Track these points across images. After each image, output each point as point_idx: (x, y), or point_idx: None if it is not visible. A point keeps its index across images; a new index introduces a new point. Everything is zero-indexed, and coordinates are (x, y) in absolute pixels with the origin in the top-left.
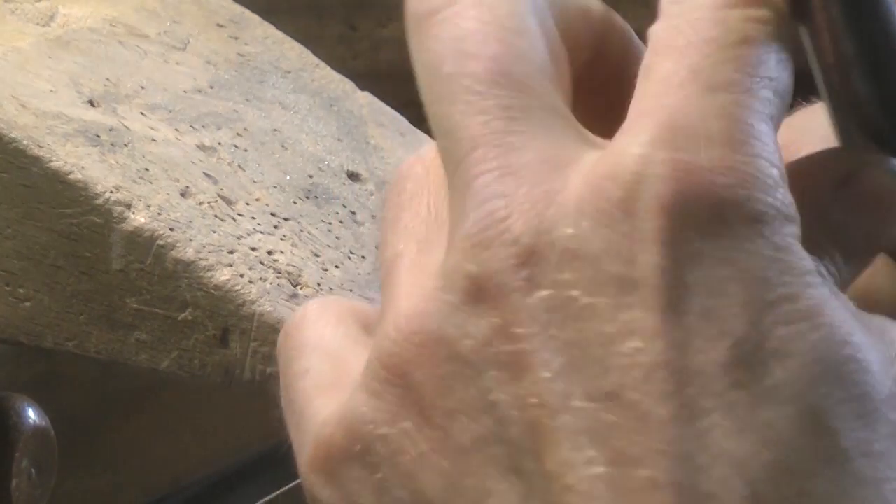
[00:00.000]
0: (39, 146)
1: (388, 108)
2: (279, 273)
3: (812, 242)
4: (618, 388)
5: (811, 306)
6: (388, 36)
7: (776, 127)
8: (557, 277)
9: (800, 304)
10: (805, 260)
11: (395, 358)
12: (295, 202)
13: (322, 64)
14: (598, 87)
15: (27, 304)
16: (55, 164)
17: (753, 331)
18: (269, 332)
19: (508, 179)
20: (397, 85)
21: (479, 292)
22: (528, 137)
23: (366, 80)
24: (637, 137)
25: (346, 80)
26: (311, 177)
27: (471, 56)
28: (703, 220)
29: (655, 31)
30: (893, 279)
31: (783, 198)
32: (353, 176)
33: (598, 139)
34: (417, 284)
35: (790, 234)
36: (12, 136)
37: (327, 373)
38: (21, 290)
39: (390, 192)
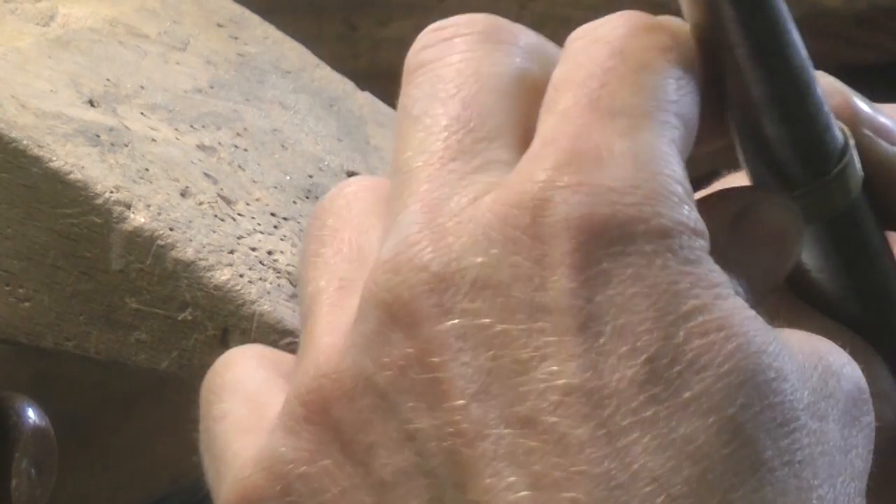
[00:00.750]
0: (39, 146)
1: (388, 108)
2: (279, 273)
3: None
4: (534, 413)
5: (724, 317)
6: (388, 35)
7: (682, 151)
8: (468, 306)
9: (713, 315)
10: (715, 272)
11: (312, 395)
12: (295, 202)
13: (322, 64)
14: None
15: (27, 304)
16: (55, 165)
17: (667, 345)
18: (269, 333)
19: (425, 210)
20: (397, 85)
21: (391, 321)
22: (459, 177)
23: (366, 79)
24: (541, 163)
25: (346, 80)
26: (311, 177)
27: (438, 101)
28: (610, 239)
29: (557, 71)
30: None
31: (689, 213)
32: (353, 176)
33: None
34: (336, 322)
35: (699, 247)
36: (12, 136)
37: (246, 416)
38: (21, 290)
39: (310, 225)
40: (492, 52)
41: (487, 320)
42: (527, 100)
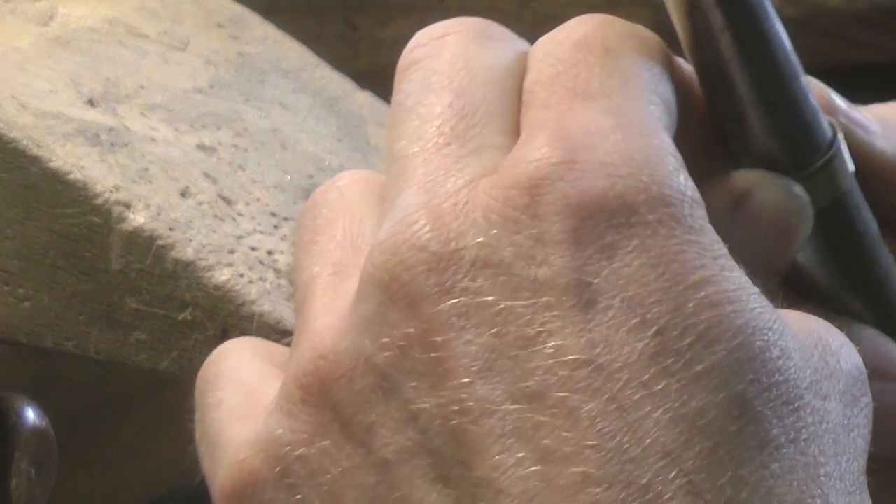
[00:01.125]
0: (39, 146)
1: (389, 108)
2: (279, 273)
3: None
4: (542, 388)
5: (732, 290)
6: (388, 35)
7: (666, 128)
8: (469, 285)
9: (721, 287)
10: (718, 243)
11: (309, 377)
12: (295, 202)
13: (322, 63)
14: None
15: (27, 304)
16: (55, 164)
17: (677, 316)
18: (268, 332)
19: (422, 192)
20: None
21: (390, 301)
22: (454, 160)
23: (366, 79)
24: (533, 144)
25: (346, 79)
26: (311, 176)
27: (431, 91)
28: (610, 212)
29: (528, 77)
30: None
31: (686, 181)
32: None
33: None
34: (331, 305)
35: (701, 216)
36: (12, 136)
37: (241, 403)
38: (21, 290)
39: (303, 217)
40: (483, 47)
41: (490, 298)
42: (517, 92)
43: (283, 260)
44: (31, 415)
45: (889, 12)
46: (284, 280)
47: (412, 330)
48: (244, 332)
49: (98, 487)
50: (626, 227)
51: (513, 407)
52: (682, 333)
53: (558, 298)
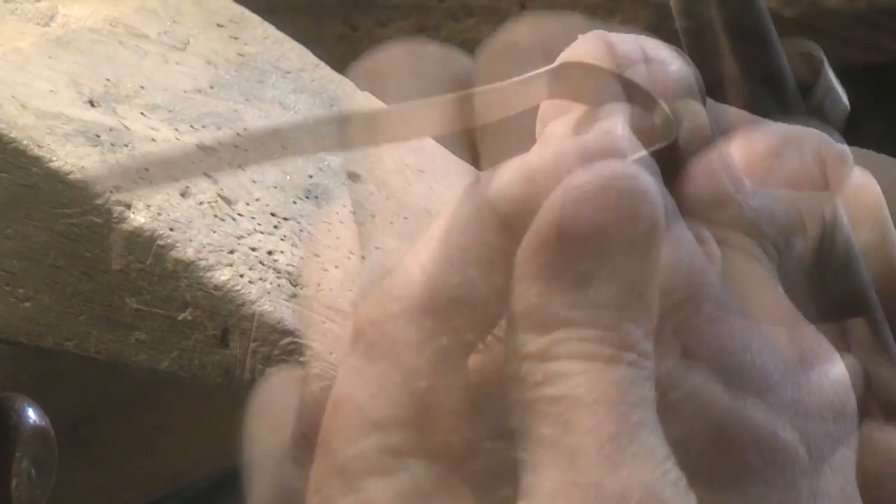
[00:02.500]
0: (39, 146)
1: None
2: (279, 273)
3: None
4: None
5: None
6: (388, 36)
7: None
8: None
9: None
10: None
11: (307, 422)
12: (295, 202)
13: (322, 64)
14: None
15: (27, 304)
16: (55, 165)
17: None
18: (269, 332)
19: None
20: None
21: (370, 348)
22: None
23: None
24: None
25: (346, 80)
26: (311, 177)
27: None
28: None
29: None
30: None
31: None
32: (353, 176)
33: None
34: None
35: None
36: (12, 136)
37: (270, 442)
38: (21, 290)
39: None
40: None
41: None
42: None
43: (283, 260)
44: (31, 415)
45: (887, 13)
46: (284, 280)
47: (398, 378)
48: (244, 333)
49: (98, 487)
50: None
51: (494, 446)
52: None
53: None
